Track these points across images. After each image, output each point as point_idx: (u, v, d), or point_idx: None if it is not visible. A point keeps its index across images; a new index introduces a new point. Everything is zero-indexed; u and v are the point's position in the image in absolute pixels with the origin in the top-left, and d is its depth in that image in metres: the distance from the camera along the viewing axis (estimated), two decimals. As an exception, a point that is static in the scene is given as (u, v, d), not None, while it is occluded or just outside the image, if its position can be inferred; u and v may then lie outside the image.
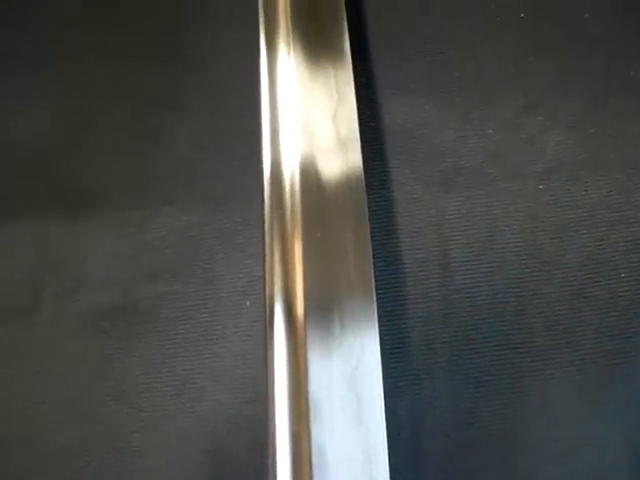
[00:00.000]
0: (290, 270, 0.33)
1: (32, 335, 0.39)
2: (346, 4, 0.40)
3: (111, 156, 0.42)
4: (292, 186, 0.34)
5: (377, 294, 0.32)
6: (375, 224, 0.39)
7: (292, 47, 0.38)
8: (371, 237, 0.34)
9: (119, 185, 0.42)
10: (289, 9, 0.39)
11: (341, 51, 0.38)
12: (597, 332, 0.38)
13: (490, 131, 0.41)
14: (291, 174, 0.35)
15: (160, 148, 0.42)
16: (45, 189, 0.42)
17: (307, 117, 0.36)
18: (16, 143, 0.43)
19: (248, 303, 0.39)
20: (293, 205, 0.34)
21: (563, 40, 0.43)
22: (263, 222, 0.34)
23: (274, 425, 0.30)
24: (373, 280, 0.32)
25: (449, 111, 0.42)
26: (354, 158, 0.35)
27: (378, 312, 0.32)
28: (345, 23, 0.39)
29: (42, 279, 0.40)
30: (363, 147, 0.36)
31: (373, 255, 0.33)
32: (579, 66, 0.43)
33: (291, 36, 0.38)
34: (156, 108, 0.43)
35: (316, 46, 0.38)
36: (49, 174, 0.42)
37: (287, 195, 0.34)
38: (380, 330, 0.32)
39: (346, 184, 0.35)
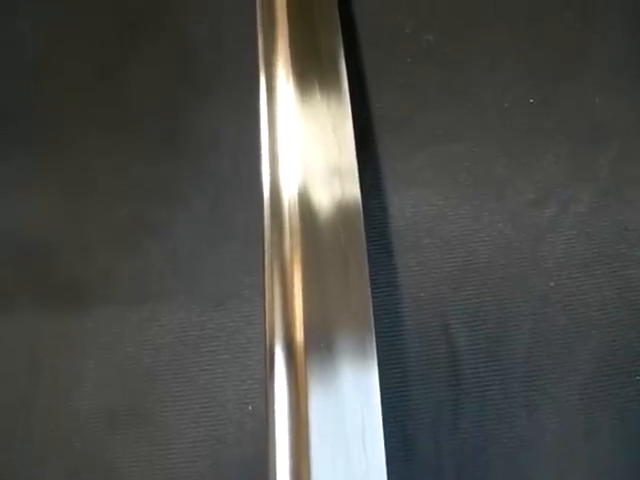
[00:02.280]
0: (289, 307, 0.33)
1: (26, 433, 0.39)
2: (351, 96, 0.39)
3: (109, 250, 0.41)
4: (291, 220, 0.35)
5: (384, 396, 0.32)
6: (381, 324, 0.38)
7: (291, 85, 0.38)
8: (377, 337, 0.33)
9: (117, 279, 0.41)
10: (289, 54, 0.39)
11: (339, 88, 0.39)
12: (611, 438, 0.37)
13: (500, 225, 0.40)
14: (290, 207, 0.35)
15: (159, 242, 0.41)
16: (42, 282, 0.41)
17: (306, 153, 0.37)
18: (13, 233, 0.42)
19: (250, 408, 0.38)
20: (292, 240, 0.34)
21: (574, 127, 0.42)
22: (263, 257, 0.34)
23: (274, 466, 0.30)
24: (372, 316, 0.33)
25: (458, 204, 0.41)
26: (352, 191, 0.36)
27: (384, 415, 0.31)
28: (343, 62, 0.40)
29: (37, 375, 0.39)
30: (369, 242, 0.35)
31: (379, 357, 0.32)
32: (591, 155, 0.41)
33: (291, 78, 0.39)
34: (156, 200, 0.42)
35: (314, 84, 0.39)
36: (46, 267, 0.42)
37: (286, 229, 0.35)
38: (386, 434, 0.31)
39: (344, 217, 0.35)
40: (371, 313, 0.33)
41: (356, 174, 0.36)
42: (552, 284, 0.39)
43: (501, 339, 0.38)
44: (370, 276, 0.34)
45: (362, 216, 0.35)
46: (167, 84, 0.46)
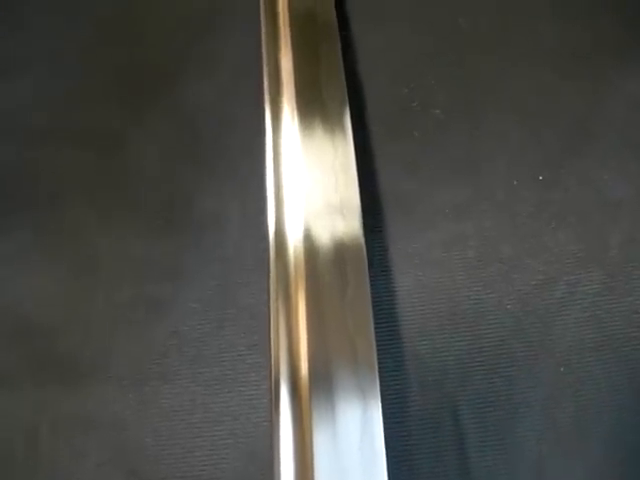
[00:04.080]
0: (294, 347, 0.33)
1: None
2: (358, 171, 0.39)
3: (110, 328, 0.40)
4: (296, 258, 0.35)
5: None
6: (388, 410, 0.37)
7: (296, 127, 0.39)
8: (384, 425, 0.32)
9: (118, 359, 0.39)
10: (295, 104, 0.40)
11: (342, 127, 0.39)
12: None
13: (509, 306, 0.40)
14: (295, 246, 0.36)
15: (161, 321, 0.40)
16: (42, 360, 0.40)
17: (309, 191, 0.37)
18: (13, 309, 0.41)
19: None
20: (297, 278, 0.35)
21: (583, 205, 0.42)
22: (268, 294, 0.34)
23: None
24: (375, 353, 0.33)
25: (466, 284, 0.40)
26: (355, 228, 0.36)
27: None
28: (346, 96, 0.41)
29: (37, 453, 0.38)
30: (376, 325, 0.34)
31: (387, 447, 0.32)
32: (600, 235, 0.41)
33: (296, 120, 0.40)
34: (158, 278, 0.41)
35: (317, 126, 0.40)
36: (46, 344, 0.40)
37: (291, 268, 0.35)
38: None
39: (348, 254, 0.36)
40: (374, 350, 0.33)
41: (359, 211, 0.37)
42: (562, 369, 0.38)
43: (511, 425, 0.37)
44: (378, 362, 0.33)
45: (365, 253, 0.36)
46: (169, 157, 0.45)
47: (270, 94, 0.41)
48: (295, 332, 0.33)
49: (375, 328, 0.34)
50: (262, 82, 0.42)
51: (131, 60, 0.49)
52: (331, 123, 0.40)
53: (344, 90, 0.41)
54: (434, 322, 0.40)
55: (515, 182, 0.42)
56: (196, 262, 0.41)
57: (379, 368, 0.33)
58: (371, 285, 0.36)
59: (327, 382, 0.32)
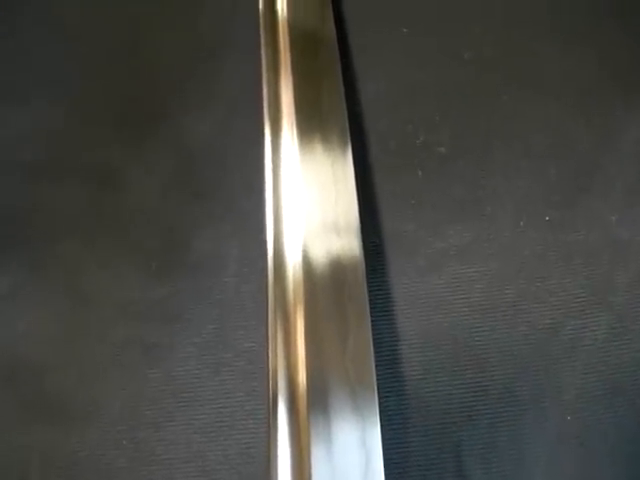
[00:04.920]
0: (292, 365, 0.33)
1: None
2: (360, 213, 0.38)
3: (103, 370, 0.39)
4: (295, 277, 0.35)
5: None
6: (389, 454, 0.35)
7: (295, 146, 0.39)
8: (386, 470, 0.31)
9: (111, 402, 0.38)
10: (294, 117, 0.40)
11: (342, 148, 0.39)
12: None
13: (515, 351, 0.39)
14: (294, 265, 0.35)
15: (156, 365, 0.39)
16: (32, 401, 0.39)
17: (308, 210, 0.37)
18: (7, 348, 0.40)
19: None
20: (295, 296, 0.34)
21: (591, 247, 0.41)
22: (266, 313, 0.34)
23: None
24: (374, 372, 0.33)
25: (471, 328, 0.39)
26: (354, 246, 0.36)
27: None
28: (346, 118, 0.40)
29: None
30: (378, 368, 0.34)
31: None
32: (608, 278, 0.40)
33: (296, 141, 0.39)
34: (154, 320, 0.40)
35: (316, 142, 0.39)
36: (37, 385, 0.39)
37: (290, 287, 0.35)
38: None
39: (347, 272, 0.35)
40: (374, 373, 0.33)
41: (358, 230, 0.37)
42: (569, 417, 0.37)
43: (516, 475, 0.36)
44: (379, 405, 0.32)
45: (365, 271, 0.36)
46: (167, 194, 0.44)
47: (270, 115, 0.40)
48: (294, 354, 0.33)
49: (377, 371, 0.33)
50: (262, 104, 0.41)
51: (130, 93, 0.48)
52: (331, 143, 0.39)
53: (344, 112, 0.41)
54: (438, 366, 0.39)
55: (521, 222, 0.41)
56: (193, 304, 0.40)
57: (381, 411, 0.32)
58: (373, 327, 0.35)
59: (325, 406, 0.32)
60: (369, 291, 0.35)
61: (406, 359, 0.39)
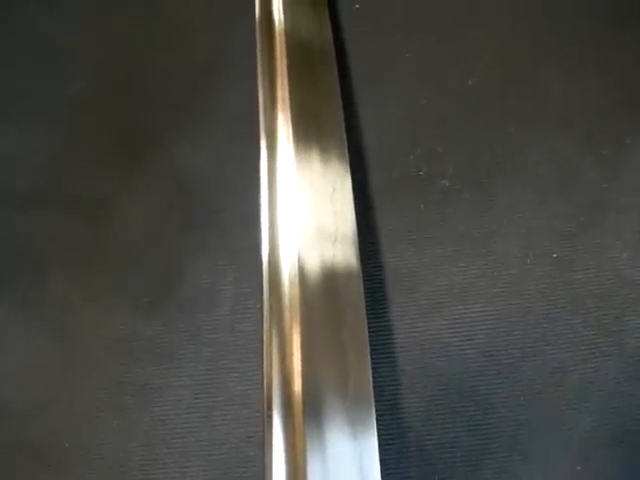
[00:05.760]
0: (288, 375, 0.32)
1: None
2: (360, 249, 0.36)
3: (91, 413, 0.37)
4: (291, 284, 0.34)
5: None
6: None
7: (292, 158, 0.38)
8: None
9: (99, 448, 0.37)
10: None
11: (340, 160, 0.39)
12: None
13: (521, 398, 0.37)
14: (290, 274, 0.34)
15: (147, 407, 0.37)
16: (17, 445, 0.37)
17: (304, 219, 0.36)
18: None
19: None
20: (291, 307, 0.34)
21: (600, 285, 0.39)
22: (261, 323, 0.33)
23: None
24: (371, 381, 0.32)
25: (477, 373, 0.37)
26: (351, 256, 0.36)
27: None
28: (344, 129, 0.40)
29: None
30: (379, 416, 0.32)
31: None
32: (619, 317, 0.38)
33: (292, 152, 0.38)
34: (145, 359, 0.38)
35: (314, 152, 0.38)
36: (22, 429, 0.38)
37: (285, 297, 0.34)
38: None
39: (344, 282, 0.35)
40: (370, 381, 0.32)
41: (355, 241, 0.36)
42: (579, 468, 0.35)
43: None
44: (380, 456, 0.31)
45: (361, 280, 0.35)
46: (158, 226, 0.42)
47: (266, 125, 0.39)
48: (289, 365, 0.32)
49: (377, 419, 0.32)
50: (258, 114, 0.40)
51: (119, 121, 0.46)
52: (328, 153, 0.39)
53: (342, 122, 0.40)
54: (440, 413, 0.37)
55: (528, 260, 0.40)
56: (185, 344, 0.39)
57: (381, 463, 0.30)
58: (373, 371, 0.33)
59: (321, 418, 0.31)
60: (369, 332, 0.34)
61: (407, 406, 0.37)
